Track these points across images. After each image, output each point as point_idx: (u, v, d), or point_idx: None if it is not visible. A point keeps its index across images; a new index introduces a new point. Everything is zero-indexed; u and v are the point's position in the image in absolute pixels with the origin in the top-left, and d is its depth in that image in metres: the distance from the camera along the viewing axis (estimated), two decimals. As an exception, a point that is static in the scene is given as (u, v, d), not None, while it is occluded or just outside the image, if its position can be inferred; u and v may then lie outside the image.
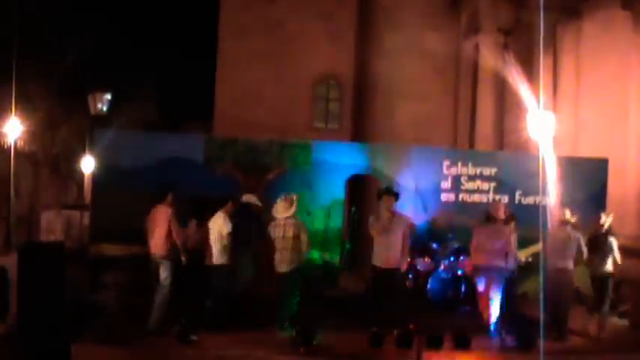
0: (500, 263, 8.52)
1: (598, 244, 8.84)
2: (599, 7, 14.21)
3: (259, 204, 9.12)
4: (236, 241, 8.53)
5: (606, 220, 9.01)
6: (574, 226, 8.80)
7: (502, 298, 8.46)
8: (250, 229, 9.04)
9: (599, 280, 8.89)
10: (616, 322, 10.03)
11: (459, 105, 18.79)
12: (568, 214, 8.82)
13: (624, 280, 11.15)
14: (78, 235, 13.77)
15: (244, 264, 8.89)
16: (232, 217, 8.51)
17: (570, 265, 8.63)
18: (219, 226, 8.39)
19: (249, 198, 9.30)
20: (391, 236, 8.31)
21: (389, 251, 8.32)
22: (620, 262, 8.93)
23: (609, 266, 8.85)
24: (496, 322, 8.39)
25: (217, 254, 8.39)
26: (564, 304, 8.59)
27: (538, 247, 9.60)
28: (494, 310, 8.43)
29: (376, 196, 8.71)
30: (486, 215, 8.92)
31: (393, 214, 8.41)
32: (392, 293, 8.31)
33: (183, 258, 8.18)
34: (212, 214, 8.51)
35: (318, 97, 19.25)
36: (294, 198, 8.45)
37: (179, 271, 8.29)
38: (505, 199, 10.39)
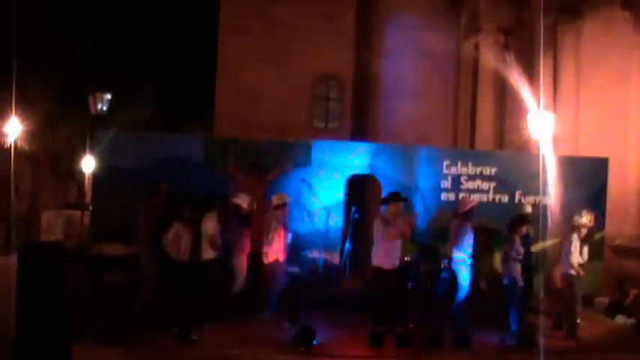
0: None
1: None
2: (599, 7, 14.21)
3: (247, 205, 9.16)
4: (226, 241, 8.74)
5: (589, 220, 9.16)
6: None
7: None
8: (240, 231, 9.11)
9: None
10: (617, 321, 10.04)
11: (459, 104, 18.79)
12: (585, 219, 8.88)
13: (625, 278, 11.20)
14: (78, 235, 13.76)
15: (236, 262, 9.02)
16: (221, 219, 8.68)
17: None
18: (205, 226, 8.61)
19: (239, 199, 9.26)
20: (395, 240, 8.43)
21: (392, 254, 8.45)
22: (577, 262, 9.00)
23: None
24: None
25: (206, 250, 8.62)
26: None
27: (538, 246, 9.65)
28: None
29: (381, 202, 8.77)
30: (460, 212, 9.05)
31: (399, 218, 8.53)
32: (394, 294, 8.40)
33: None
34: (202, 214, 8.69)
35: (319, 97, 19.23)
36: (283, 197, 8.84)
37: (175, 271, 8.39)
38: (505, 198, 10.39)
